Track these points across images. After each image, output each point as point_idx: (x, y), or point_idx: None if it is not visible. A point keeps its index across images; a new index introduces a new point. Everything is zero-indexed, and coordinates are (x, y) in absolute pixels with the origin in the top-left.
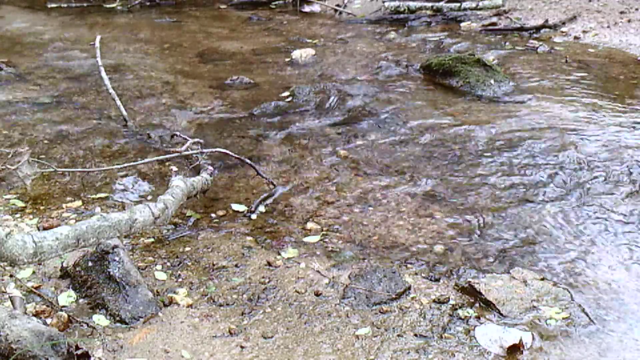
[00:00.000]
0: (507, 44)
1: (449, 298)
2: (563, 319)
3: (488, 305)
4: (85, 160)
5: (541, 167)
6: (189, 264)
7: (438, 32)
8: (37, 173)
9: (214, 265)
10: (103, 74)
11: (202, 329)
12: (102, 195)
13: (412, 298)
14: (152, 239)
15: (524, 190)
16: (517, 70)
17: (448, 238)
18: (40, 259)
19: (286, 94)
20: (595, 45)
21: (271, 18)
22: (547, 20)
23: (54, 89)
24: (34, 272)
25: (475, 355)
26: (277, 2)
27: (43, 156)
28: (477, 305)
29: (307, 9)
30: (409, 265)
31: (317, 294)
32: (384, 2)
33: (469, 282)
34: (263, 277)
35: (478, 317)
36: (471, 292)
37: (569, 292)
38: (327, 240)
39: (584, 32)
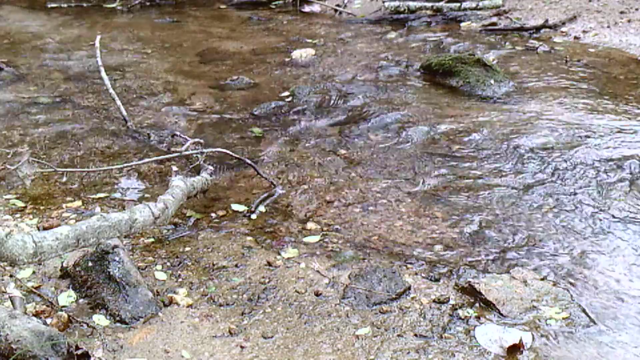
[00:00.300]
0: (507, 44)
1: (449, 298)
2: (563, 319)
3: (488, 305)
4: (85, 160)
5: (541, 167)
6: (189, 264)
7: (438, 32)
8: (37, 173)
9: (214, 265)
10: (103, 74)
11: (202, 329)
12: (102, 195)
13: (412, 298)
14: (152, 239)
15: (524, 190)
16: (517, 70)
17: (448, 238)
18: (40, 259)
19: (286, 94)
20: (595, 45)
21: (271, 18)
22: (547, 20)
23: (54, 89)
24: (34, 272)
25: (475, 355)
26: (277, 2)
27: (43, 156)
28: (477, 305)
29: (307, 9)
30: (409, 265)
31: (317, 294)
32: (384, 2)
33: (469, 282)
34: (263, 277)
35: (478, 317)
36: (471, 292)
37: (569, 292)
38: (327, 240)
39: (584, 32)
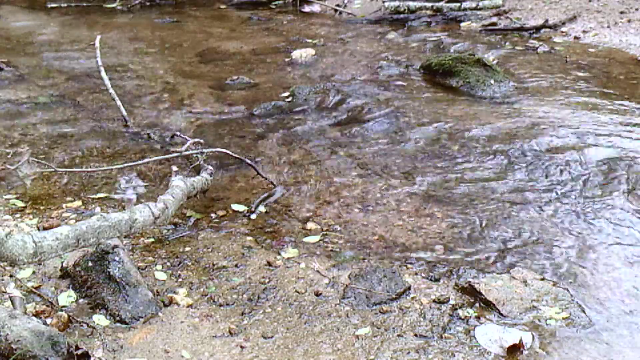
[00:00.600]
0: (507, 44)
1: (449, 298)
2: (563, 319)
3: (488, 305)
4: (85, 160)
5: (541, 167)
6: (189, 264)
7: (438, 32)
8: (37, 173)
9: (214, 265)
10: (103, 74)
11: (202, 329)
12: (102, 195)
13: (412, 298)
14: (152, 239)
15: (524, 190)
16: (517, 70)
17: (448, 238)
18: (40, 259)
19: (286, 94)
20: (595, 45)
21: (271, 18)
22: (547, 20)
23: (54, 89)
24: (34, 272)
25: (475, 355)
26: (277, 2)
27: (43, 156)
28: (477, 305)
29: (307, 9)
30: (409, 265)
31: (317, 294)
32: (384, 2)
33: (469, 282)
34: (263, 277)
35: (478, 317)
36: (471, 292)
37: (569, 292)
38: (327, 240)
39: (584, 32)
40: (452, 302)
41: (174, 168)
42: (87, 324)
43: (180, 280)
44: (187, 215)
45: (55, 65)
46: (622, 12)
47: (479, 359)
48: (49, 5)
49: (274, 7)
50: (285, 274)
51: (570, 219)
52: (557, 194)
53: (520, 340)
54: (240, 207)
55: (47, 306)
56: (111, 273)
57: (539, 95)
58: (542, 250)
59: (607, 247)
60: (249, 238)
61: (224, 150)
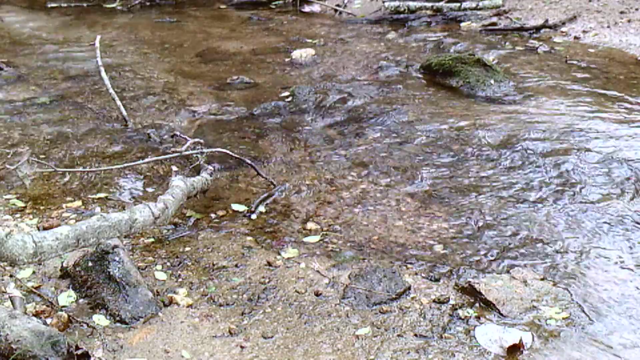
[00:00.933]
0: (507, 44)
1: (449, 298)
2: (563, 319)
3: (488, 305)
4: (85, 160)
5: (541, 167)
6: (189, 264)
7: (438, 32)
8: (36, 173)
9: (214, 265)
10: (103, 74)
11: (202, 329)
12: (102, 195)
13: (412, 298)
14: (152, 239)
15: (524, 190)
16: (517, 70)
17: (448, 238)
18: (40, 259)
19: (286, 94)
20: (595, 45)
21: (271, 18)
22: (547, 20)
23: (54, 89)
24: (34, 272)
25: (475, 355)
26: (277, 2)
27: (43, 156)
28: (477, 305)
29: (307, 9)
30: (409, 265)
31: (317, 294)
32: (384, 2)
33: (469, 282)
34: (263, 277)
35: (478, 317)
36: (471, 292)
37: (569, 292)
38: (327, 240)
39: (584, 32)
40: (452, 302)
41: (174, 168)
42: (87, 324)
43: (180, 280)
44: (187, 215)
45: (55, 65)
46: (622, 12)
47: (479, 359)
48: (49, 5)
49: (274, 7)
50: (285, 274)
51: (570, 219)
52: (557, 194)
53: (520, 340)
54: (240, 207)
55: (47, 306)
56: (111, 273)
57: (539, 95)
58: (542, 250)
59: (607, 247)
60: (249, 238)
61: (224, 150)
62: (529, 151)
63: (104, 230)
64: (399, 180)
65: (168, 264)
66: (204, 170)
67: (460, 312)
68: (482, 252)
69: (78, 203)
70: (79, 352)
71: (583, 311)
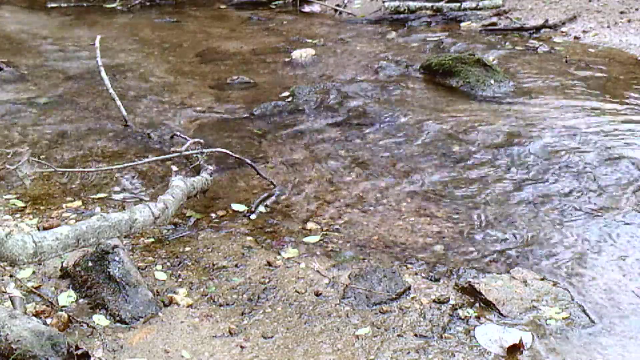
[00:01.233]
0: (507, 44)
1: (449, 298)
2: (563, 319)
3: (488, 305)
4: (85, 160)
5: (541, 167)
6: (189, 264)
7: (438, 32)
8: (36, 173)
9: (214, 265)
10: (103, 74)
11: (202, 329)
12: (102, 195)
13: (412, 298)
14: (152, 239)
15: (524, 190)
16: (517, 70)
17: (448, 238)
18: (40, 259)
19: (286, 94)
20: (595, 45)
21: (271, 18)
22: (547, 20)
23: (54, 89)
24: (34, 272)
25: (475, 355)
26: (277, 2)
27: (43, 156)
28: (477, 305)
29: (307, 9)
30: (409, 265)
31: (317, 294)
32: (384, 2)
33: (469, 282)
34: (263, 277)
35: (478, 317)
36: (471, 292)
37: (569, 292)
38: (327, 240)
39: (584, 32)
40: (452, 302)
41: (174, 168)
42: (87, 324)
43: (180, 280)
44: (187, 215)
45: (55, 65)
46: (622, 12)
47: (479, 359)
48: (49, 5)
49: (274, 7)
50: (285, 274)
51: (570, 219)
52: (557, 194)
53: (520, 340)
54: (240, 207)
55: (47, 306)
56: (111, 273)
57: (539, 96)
58: (542, 250)
59: (607, 247)
60: (249, 238)
61: (224, 150)
62: (529, 151)
63: (104, 230)
64: (399, 180)
65: (168, 264)
66: (204, 170)
67: (460, 312)
68: (482, 252)
69: (78, 203)
70: (79, 352)
71: (583, 311)
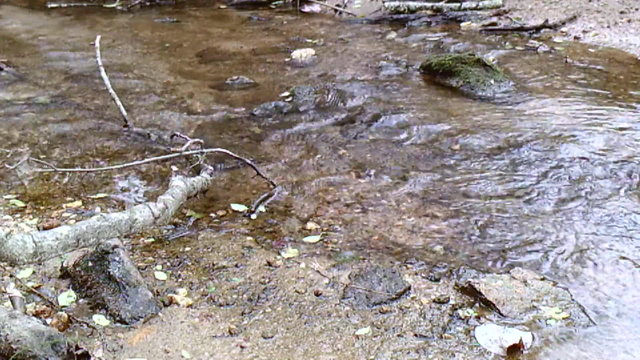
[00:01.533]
0: (507, 44)
1: (449, 298)
2: (563, 319)
3: (488, 305)
4: (85, 160)
5: (541, 167)
6: (189, 264)
7: (438, 32)
8: (36, 173)
9: (214, 265)
10: (103, 74)
11: (202, 329)
12: (102, 195)
13: (412, 298)
14: (152, 239)
15: (524, 190)
16: (517, 70)
17: (448, 238)
18: (40, 259)
19: (286, 94)
20: (595, 45)
21: (271, 18)
22: (547, 20)
23: (54, 89)
24: (34, 272)
25: (475, 355)
26: (277, 2)
27: (43, 156)
28: (477, 305)
29: (307, 9)
30: (409, 265)
31: (317, 294)
32: (384, 2)
33: (469, 282)
34: (263, 277)
35: (478, 317)
36: (471, 292)
37: (569, 292)
38: (327, 240)
39: (584, 32)
40: (452, 302)
41: (174, 168)
42: (87, 324)
43: (180, 280)
44: (187, 215)
45: (55, 65)
46: (622, 12)
47: (479, 359)
48: (49, 5)
49: (274, 7)
50: (285, 274)
51: (570, 219)
52: (557, 193)
53: (520, 340)
54: (240, 207)
55: (47, 306)
56: (111, 273)
57: (539, 95)
58: (542, 250)
59: (607, 247)
60: (249, 238)
61: (224, 150)
62: (529, 151)
63: (104, 230)
64: (399, 180)
65: (168, 264)
66: (204, 170)
67: (460, 312)
68: (482, 252)
69: (78, 203)
70: (79, 352)
71: (583, 311)
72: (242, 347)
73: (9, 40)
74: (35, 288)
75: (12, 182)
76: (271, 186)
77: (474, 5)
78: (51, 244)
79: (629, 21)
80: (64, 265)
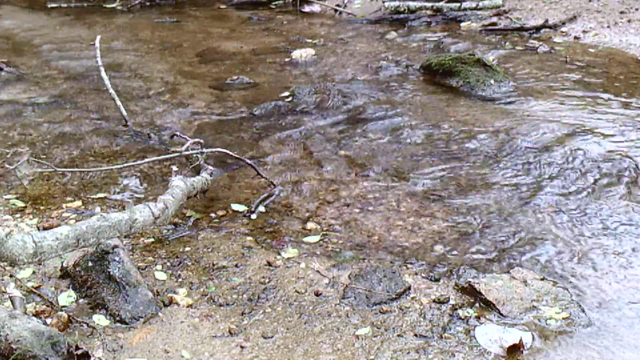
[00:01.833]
0: (507, 44)
1: (449, 298)
2: (563, 319)
3: (488, 305)
4: (85, 160)
5: (541, 167)
6: (189, 264)
7: (438, 32)
8: (36, 173)
9: (214, 265)
10: (103, 74)
11: (202, 329)
12: (102, 195)
13: (412, 298)
14: (152, 239)
15: (524, 190)
16: (517, 70)
17: (448, 238)
18: (40, 259)
19: (286, 94)
20: (595, 45)
21: (271, 18)
22: (547, 20)
23: (54, 89)
24: (34, 272)
25: (475, 355)
26: (277, 2)
27: (43, 156)
28: (477, 305)
29: (307, 9)
30: (409, 265)
31: (317, 294)
32: (384, 2)
33: (469, 282)
34: (263, 277)
35: (478, 317)
36: (471, 292)
37: (569, 292)
38: (327, 240)
39: (584, 32)
40: (452, 302)
41: (174, 168)
42: (87, 324)
43: (180, 280)
44: (187, 215)
45: (55, 65)
46: (622, 12)
47: (479, 359)
48: (49, 5)
49: (274, 7)
50: (285, 274)
51: (570, 219)
52: (557, 193)
53: (520, 340)
54: (240, 207)
55: (47, 306)
56: (111, 273)
57: (539, 95)
58: (542, 250)
59: (607, 247)
60: (249, 238)
61: (224, 150)
62: (529, 151)
63: (104, 230)
64: (399, 180)
65: (168, 264)
66: (204, 170)
67: (460, 312)
68: (482, 252)
69: (78, 203)
70: (79, 352)
71: (583, 311)
72: (242, 347)
73: (9, 40)
74: (35, 288)
75: (12, 182)
76: (271, 186)
77: (474, 5)
78: (51, 244)
79: (629, 21)
80: (64, 265)
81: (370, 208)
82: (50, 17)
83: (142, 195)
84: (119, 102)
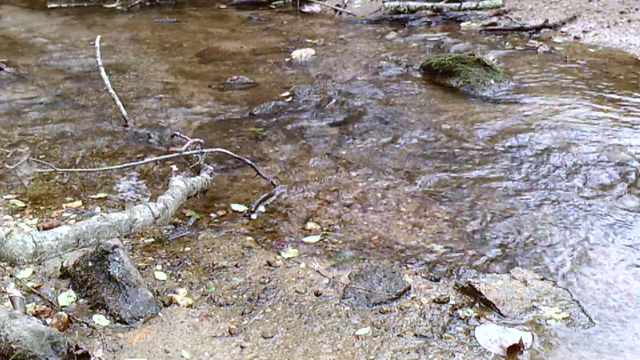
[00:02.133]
0: (507, 44)
1: (449, 298)
2: (563, 319)
3: (488, 305)
4: (85, 160)
5: (541, 167)
6: (189, 264)
7: (438, 32)
8: (35, 173)
9: (214, 265)
10: (103, 74)
11: (202, 329)
12: (102, 195)
13: (412, 298)
14: (152, 239)
15: (524, 189)
16: (517, 70)
17: (448, 238)
18: (40, 259)
19: (286, 94)
20: (595, 45)
21: (271, 18)
22: (547, 20)
23: (54, 89)
24: (34, 272)
25: (475, 355)
26: (277, 2)
27: (43, 156)
28: (477, 305)
29: (307, 9)
30: (409, 265)
31: (317, 294)
32: (384, 2)
33: (469, 282)
34: (263, 277)
35: (478, 317)
36: (471, 292)
37: (569, 292)
38: (327, 240)
39: (584, 32)
40: (452, 302)
41: (174, 168)
42: (87, 324)
43: (180, 280)
44: (187, 215)
45: (55, 65)
46: (622, 12)
47: (479, 359)
48: (49, 5)
49: (274, 7)
50: (285, 274)
51: (570, 219)
52: (557, 193)
53: (520, 340)
54: (240, 207)
55: (47, 306)
56: (111, 273)
57: (539, 95)
58: (542, 250)
59: (607, 247)
60: (249, 238)
61: (224, 150)
62: (528, 151)
63: (104, 230)
64: (399, 180)
65: (168, 264)
66: (204, 170)
67: (460, 312)
68: (482, 252)
69: (78, 203)
70: (79, 352)
71: (583, 311)
72: (242, 347)
73: (9, 40)
74: (35, 288)
75: (12, 182)
76: (271, 186)
77: (474, 5)
78: (51, 244)
79: (629, 21)
80: (64, 265)
81: (370, 208)
82: (50, 17)
83: (142, 195)
84: (119, 102)
